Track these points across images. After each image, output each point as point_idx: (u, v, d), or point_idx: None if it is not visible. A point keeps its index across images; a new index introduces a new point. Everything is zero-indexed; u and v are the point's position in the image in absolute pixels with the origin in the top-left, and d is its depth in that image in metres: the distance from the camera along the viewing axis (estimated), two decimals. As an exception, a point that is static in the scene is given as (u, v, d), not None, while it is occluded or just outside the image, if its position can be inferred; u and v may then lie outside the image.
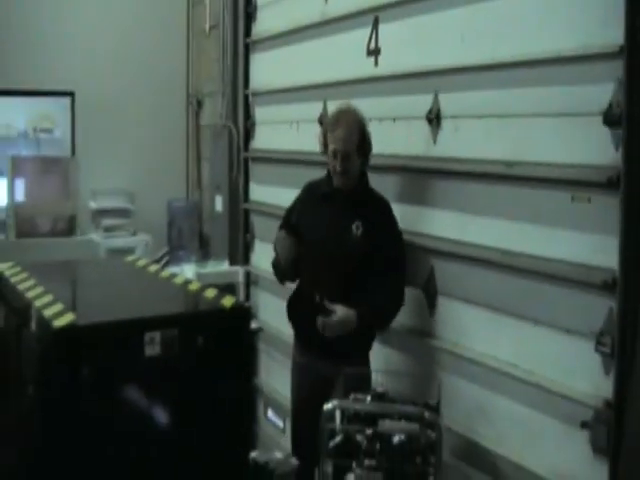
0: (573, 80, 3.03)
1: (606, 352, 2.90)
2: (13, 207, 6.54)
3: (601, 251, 2.92)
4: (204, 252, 6.95)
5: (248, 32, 6.04)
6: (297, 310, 4.05)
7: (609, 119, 2.84)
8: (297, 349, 4.11)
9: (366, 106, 3.95)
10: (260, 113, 5.91)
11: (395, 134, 4.10)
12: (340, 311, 3.68)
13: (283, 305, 4.16)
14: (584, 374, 3.02)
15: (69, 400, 3.02)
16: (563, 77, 3.07)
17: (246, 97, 6.07)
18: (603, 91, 2.87)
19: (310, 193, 4.08)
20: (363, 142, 3.81)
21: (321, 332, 3.71)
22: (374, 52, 4.28)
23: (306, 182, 4.16)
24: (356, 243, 3.80)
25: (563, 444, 3.13)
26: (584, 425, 3.00)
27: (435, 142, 3.81)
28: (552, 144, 3.15)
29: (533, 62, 3.20)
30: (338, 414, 3.17)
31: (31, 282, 3.70)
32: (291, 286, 4.22)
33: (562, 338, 3.11)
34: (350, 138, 3.76)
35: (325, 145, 3.87)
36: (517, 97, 3.32)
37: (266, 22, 5.78)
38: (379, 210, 3.88)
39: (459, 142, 3.67)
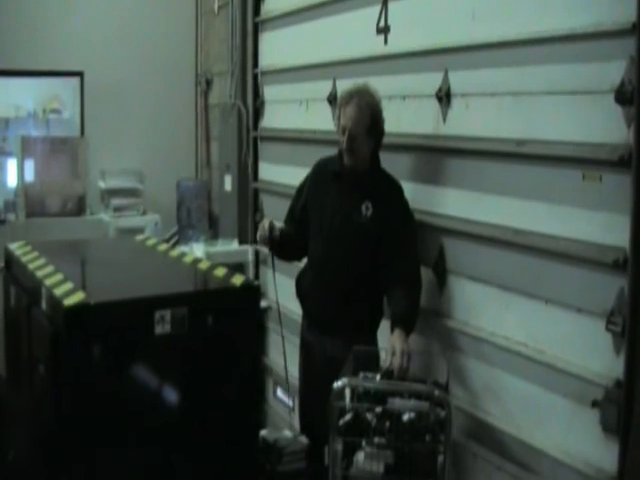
0: (585, 57, 3.00)
1: (617, 331, 2.89)
2: (23, 187, 6.55)
3: (612, 230, 2.91)
4: (213, 231, 6.96)
5: (257, 11, 6.02)
6: (305, 288, 4.05)
7: (621, 97, 2.82)
8: (305, 327, 4.11)
9: (376, 84, 3.92)
10: (269, 92, 5.89)
11: (405, 112, 4.08)
12: (396, 346, 3.49)
13: (292, 284, 4.16)
14: (595, 353, 3.01)
15: (80, 378, 3.03)
16: (575, 54, 3.04)
17: (255, 76, 6.05)
18: (615, 68, 2.84)
19: (320, 171, 4.05)
20: (374, 125, 3.77)
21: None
22: (384, 30, 4.26)
23: (317, 160, 4.15)
24: (365, 224, 3.78)
25: (573, 423, 3.12)
26: (594, 404, 2.99)
27: (445, 120, 3.79)
28: (563, 122, 3.13)
29: (544, 39, 3.18)
30: (348, 392, 3.17)
31: (41, 261, 3.71)
32: (299, 264, 4.23)
33: (573, 317, 3.10)
34: (360, 118, 3.73)
35: (339, 121, 3.85)
36: (528, 75, 3.29)
37: (275, 1, 5.75)
38: (390, 192, 3.85)
39: (469, 120, 3.65)
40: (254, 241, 6.05)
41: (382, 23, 4.27)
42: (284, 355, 4.07)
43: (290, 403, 5.36)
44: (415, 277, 3.77)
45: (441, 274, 3.84)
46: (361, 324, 3.82)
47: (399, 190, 3.85)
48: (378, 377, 3.27)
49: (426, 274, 3.87)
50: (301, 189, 4.14)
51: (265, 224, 3.92)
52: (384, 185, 3.85)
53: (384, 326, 3.94)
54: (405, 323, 3.59)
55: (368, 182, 3.82)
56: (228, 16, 6.51)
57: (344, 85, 3.98)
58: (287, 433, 3.98)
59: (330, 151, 4.05)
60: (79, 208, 6.75)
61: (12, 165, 6.79)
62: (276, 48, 5.79)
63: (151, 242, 4.43)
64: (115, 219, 6.76)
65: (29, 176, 6.62)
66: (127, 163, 7.09)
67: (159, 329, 3.16)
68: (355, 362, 3.37)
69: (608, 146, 2.89)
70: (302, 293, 4.09)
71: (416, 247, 3.82)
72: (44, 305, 3.30)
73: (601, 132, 2.94)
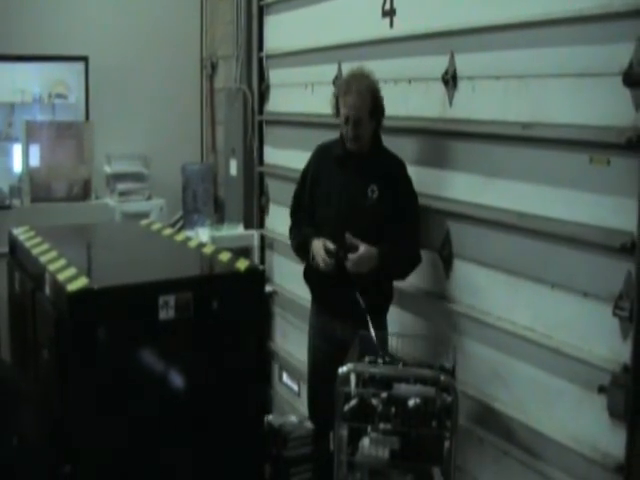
0: (593, 39, 2.96)
1: (624, 316, 2.86)
2: (28, 172, 6.53)
3: (620, 213, 2.88)
4: (219, 216, 6.94)
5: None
6: (314, 272, 4.03)
7: (629, 79, 2.78)
8: (314, 312, 4.10)
9: (381, 68, 3.90)
10: (274, 76, 5.86)
11: (411, 96, 4.05)
12: (363, 247, 3.63)
13: (298, 268, 4.14)
14: (602, 338, 2.99)
15: (84, 363, 3.03)
16: (582, 36, 3.01)
17: (260, 60, 6.01)
18: (623, 50, 2.81)
19: (323, 155, 4.04)
20: (375, 107, 3.78)
21: (348, 268, 3.65)
22: (389, 13, 4.22)
23: (317, 145, 4.13)
24: (371, 207, 3.78)
25: (580, 409, 3.11)
26: (601, 390, 2.98)
27: (451, 104, 3.76)
28: (570, 105, 3.09)
29: (552, 21, 3.14)
30: (353, 377, 3.16)
31: (45, 246, 3.71)
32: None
33: (580, 302, 3.08)
34: (362, 104, 3.74)
35: (337, 109, 3.85)
36: (535, 57, 3.26)
37: (280, -17, 5.72)
38: (394, 171, 3.84)
39: (476, 103, 3.62)
40: (259, 225, 6.05)
41: (387, 6, 4.23)
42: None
43: (296, 388, 5.36)
44: (415, 245, 3.82)
45: (447, 258, 3.82)
46: (371, 307, 3.81)
47: (403, 167, 3.85)
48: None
49: (432, 258, 3.86)
50: (305, 175, 4.12)
51: (321, 250, 3.79)
52: (388, 165, 3.85)
53: (392, 311, 3.94)
54: (386, 250, 3.68)
55: (372, 164, 3.81)
56: (233, -1, 6.48)
57: (348, 70, 3.96)
58: (293, 418, 3.98)
59: (336, 135, 4.02)
60: (84, 193, 6.72)
61: (18, 150, 6.77)
62: (281, 31, 5.75)
63: (156, 227, 4.42)
64: (120, 204, 6.74)
65: (34, 161, 6.60)
66: (132, 147, 7.07)
67: (163, 314, 3.15)
68: (361, 347, 3.36)
69: (616, 129, 2.86)
70: (311, 278, 4.07)
71: (419, 225, 3.83)
72: (48, 290, 3.30)
73: (609, 115, 2.90)
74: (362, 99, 3.74)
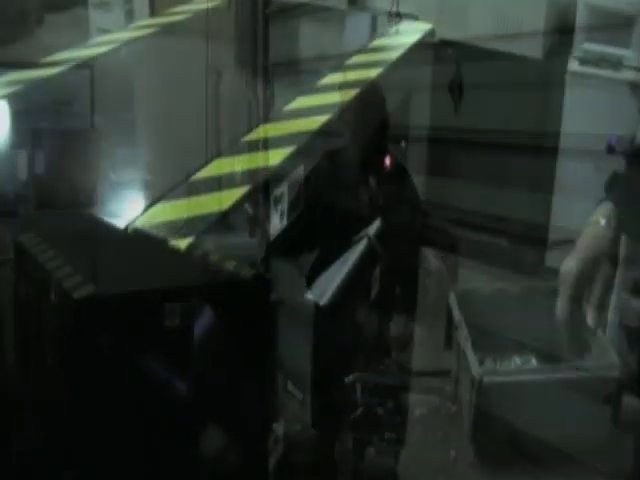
0: (601, 47, 2.96)
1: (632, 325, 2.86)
2: (33, 179, 6.55)
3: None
4: (224, 223, 6.94)
5: (267, 2, 5.98)
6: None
7: (637, 87, 2.79)
8: (316, 317, 4.09)
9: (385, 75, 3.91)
10: (279, 83, 5.86)
11: (414, 103, 4.05)
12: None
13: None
14: (609, 347, 2.98)
15: (89, 372, 3.02)
16: (590, 44, 3.01)
17: (265, 68, 6.02)
18: (632, 58, 2.81)
19: (327, 162, 4.05)
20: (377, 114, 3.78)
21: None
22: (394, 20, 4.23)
23: (322, 151, 4.14)
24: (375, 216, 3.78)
25: (585, 418, 3.10)
26: (607, 400, 2.97)
27: (456, 112, 3.76)
28: (579, 113, 3.09)
29: (559, 30, 3.14)
30: (358, 386, 3.15)
31: (51, 253, 3.70)
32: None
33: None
34: (363, 109, 3.74)
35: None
36: (541, 65, 3.26)
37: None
38: (400, 182, 3.85)
39: (483, 112, 3.62)
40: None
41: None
42: None
43: (300, 396, 5.34)
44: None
45: (452, 267, 3.81)
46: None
47: (409, 178, 3.84)
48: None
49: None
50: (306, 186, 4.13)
51: None
52: (394, 175, 3.84)
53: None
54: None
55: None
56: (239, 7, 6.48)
57: (355, 75, 3.98)
58: (297, 426, 3.97)
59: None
60: (89, 201, 6.74)
61: (23, 157, 6.79)
62: (287, 39, 5.75)
63: (162, 234, 4.42)
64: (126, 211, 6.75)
65: (39, 168, 6.62)
66: (137, 155, 7.07)
67: (169, 322, 3.14)
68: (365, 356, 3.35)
69: (623, 137, 2.85)
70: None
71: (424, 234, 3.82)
72: (53, 297, 3.29)
73: (617, 123, 2.90)
74: (364, 104, 3.75)
